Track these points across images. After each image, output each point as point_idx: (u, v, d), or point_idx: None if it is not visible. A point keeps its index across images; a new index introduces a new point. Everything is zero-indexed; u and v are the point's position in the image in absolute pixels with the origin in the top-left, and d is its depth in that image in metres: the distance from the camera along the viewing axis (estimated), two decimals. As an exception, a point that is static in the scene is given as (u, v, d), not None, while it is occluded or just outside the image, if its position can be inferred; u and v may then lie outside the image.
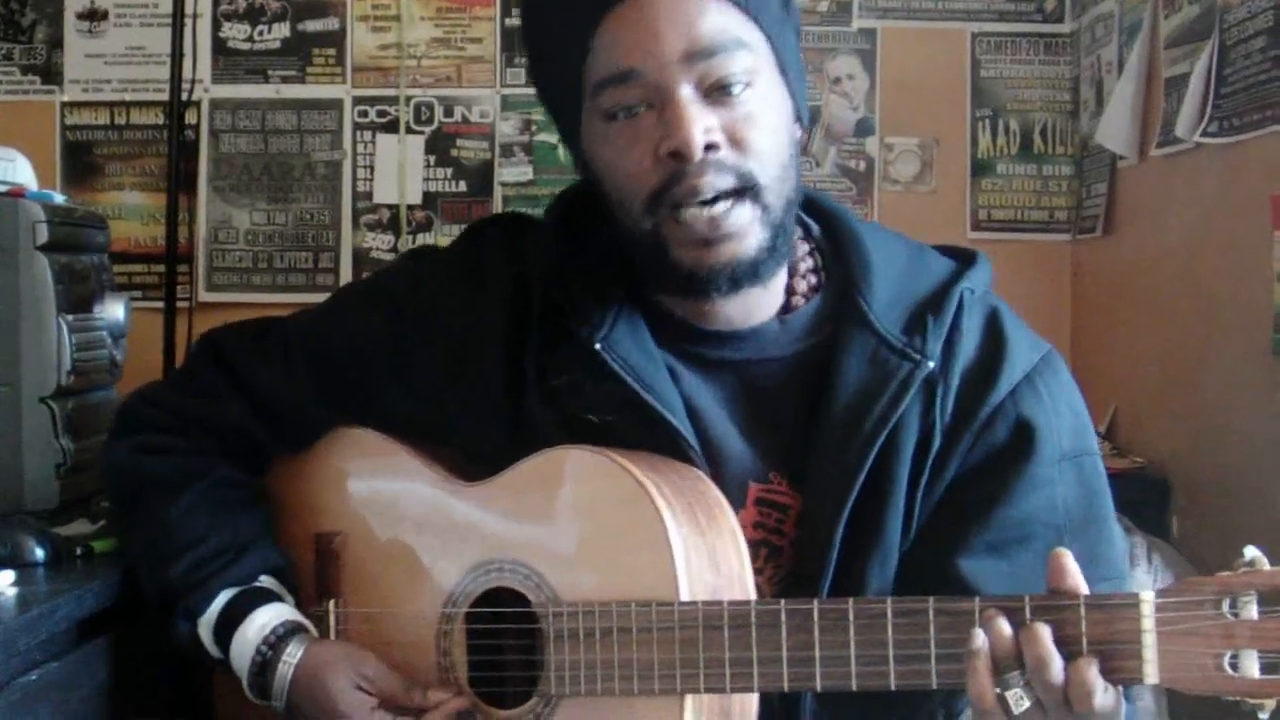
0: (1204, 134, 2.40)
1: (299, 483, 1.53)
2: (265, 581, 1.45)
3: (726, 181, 1.28)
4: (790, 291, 1.41)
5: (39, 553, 1.60)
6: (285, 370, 1.51)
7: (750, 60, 1.29)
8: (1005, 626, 1.15)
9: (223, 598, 1.42)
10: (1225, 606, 1.10)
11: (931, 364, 1.34)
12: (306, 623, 1.43)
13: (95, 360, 1.93)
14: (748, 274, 1.32)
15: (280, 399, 1.51)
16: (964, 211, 3.25)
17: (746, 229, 1.30)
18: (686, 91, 1.27)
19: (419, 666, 1.39)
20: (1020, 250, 3.20)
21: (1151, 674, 1.11)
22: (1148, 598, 1.12)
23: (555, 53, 1.37)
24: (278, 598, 1.44)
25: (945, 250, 1.47)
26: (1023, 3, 3.24)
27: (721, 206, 1.29)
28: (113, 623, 1.56)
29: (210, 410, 1.52)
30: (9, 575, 1.49)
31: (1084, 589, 1.16)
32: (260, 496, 1.53)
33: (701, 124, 1.27)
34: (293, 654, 1.39)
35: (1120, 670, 1.13)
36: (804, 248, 1.44)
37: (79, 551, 1.65)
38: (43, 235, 1.83)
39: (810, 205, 1.47)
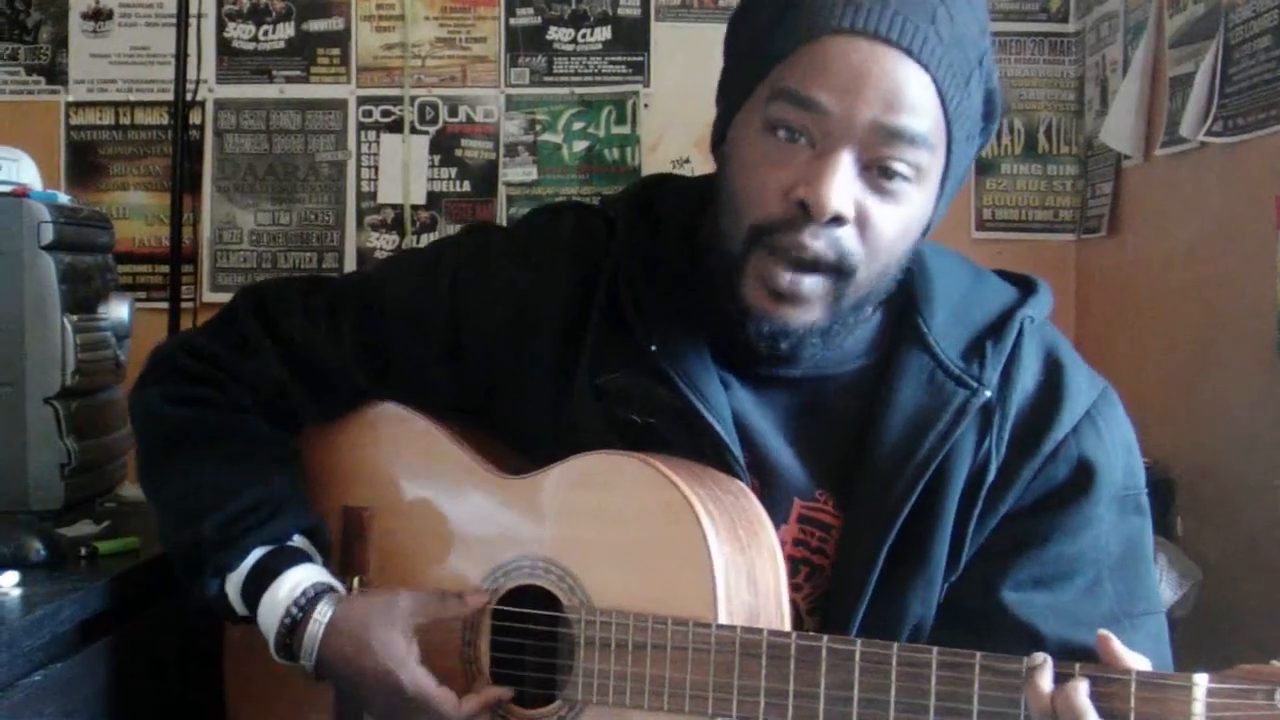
0: (1209, 133, 2.40)
1: (331, 453, 1.51)
2: (298, 541, 1.43)
3: (829, 257, 1.25)
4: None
5: (43, 553, 1.60)
6: (330, 330, 1.47)
7: (924, 161, 1.25)
8: (1046, 684, 1.14)
9: (255, 555, 1.40)
10: (1277, 698, 1.08)
11: (989, 393, 1.32)
12: (336, 583, 1.42)
13: (100, 360, 1.93)
14: (790, 344, 1.30)
15: (323, 360, 1.47)
16: (969, 211, 3.24)
17: (813, 302, 1.27)
18: (849, 156, 1.23)
19: (442, 653, 1.38)
20: (1025, 250, 3.20)
21: None
22: (1200, 681, 1.10)
23: (766, 31, 1.30)
24: (308, 558, 1.42)
25: (1005, 275, 1.45)
26: (1027, 2, 3.24)
27: (808, 277, 1.26)
28: (116, 624, 1.56)
29: (251, 366, 1.48)
30: (13, 576, 1.49)
31: (1133, 665, 1.14)
32: (294, 456, 1.50)
33: (848, 195, 1.23)
34: (323, 613, 1.37)
35: None
36: None
37: (83, 552, 1.65)
38: (47, 235, 1.83)
39: None
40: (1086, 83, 3.19)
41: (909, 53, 1.22)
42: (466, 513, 1.41)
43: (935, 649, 1.19)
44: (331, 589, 1.40)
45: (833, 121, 1.23)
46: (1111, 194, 2.98)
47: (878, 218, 1.25)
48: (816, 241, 1.24)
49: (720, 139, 1.35)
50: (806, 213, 1.23)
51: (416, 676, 1.33)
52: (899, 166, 1.24)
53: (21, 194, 1.87)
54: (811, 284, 1.26)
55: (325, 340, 1.47)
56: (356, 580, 1.45)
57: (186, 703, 1.65)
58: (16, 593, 1.47)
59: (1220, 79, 2.36)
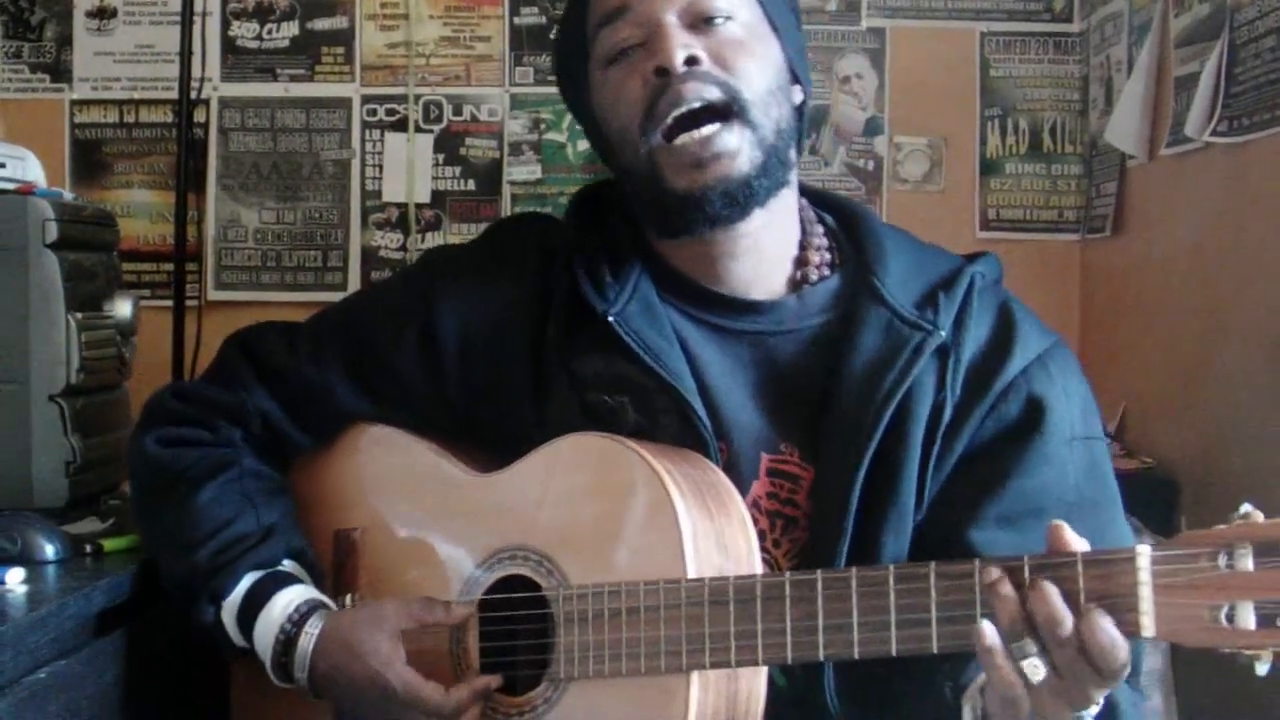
0: (1214, 133, 2.40)
1: (319, 479, 1.54)
2: (288, 565, 1.46)
3: (711, 92, 1.35)
4: (803, 263, 1.45)
5: (48, 550, 1.61)
6: (314, 357, 1.52)
7: (734, 4, 1.38)
8: (1010, 591, 1.15)
9: (247, 580, 1.43)
10: (1221, 559, 1.10)
11: (943, 334, 1.37)
12: (328, 601, 1.44)
13: (104, 358, 1.94)
14: (742, 190, 1.36)
15: (307, 386, 1.52)
16: (973, 211, 3.24)
17: (736, 149, 1.35)
18: (670, 19, 1.35)
19: (431, 654, 1.39)
20: (1029, 250, 3.19)
21: (1149, 627, 1.12)
22: (1144, 551, 1.12)
23: (566, 18, 1.46)
24: (299, 580, 1.45)
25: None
26: (1032, 2, 3.23)
27: (709, 129, 1.34)
28: (122, 621, 1.56)
29: (238, 402, 1.53)
30: (19, 573, 1.50)
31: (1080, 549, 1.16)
32: (284, 487, 1.54)
33: (682, 40, 1.35)
34: (314, 625, 1.40)
35: (1119, 625, 1.13)
36: (819, 229, 1.48)
37: (88, 549, 1.66)
38: (52, 233, 1.83)
39: (823, 199, 1.52)
40: (1091, 82, 3.18)
41: None
42: (448, 517, 1.43)
43: (891, 565, 1.22)
44: (322, 605, 1.43)
45: (639, 10, 1.37)
46: (1116, 194, 2.98)
47: (726, 49, 1.37)
48: (690, 84, 1.34)
49: (589, 126, 1.47)
50: (665, 73, 1.34)
51: (404, 675, 1.35)
52: (713, 10, 1.37)
53: (26, 192, 1.88)
54: (723, 136, 1.35)
55: (307, 366, 1.53)
56: (349, 599, 1.47)
57: (191, 699, 1.65)
58: (22, 590, 1.47)
59: (1225, 79, 2.36)
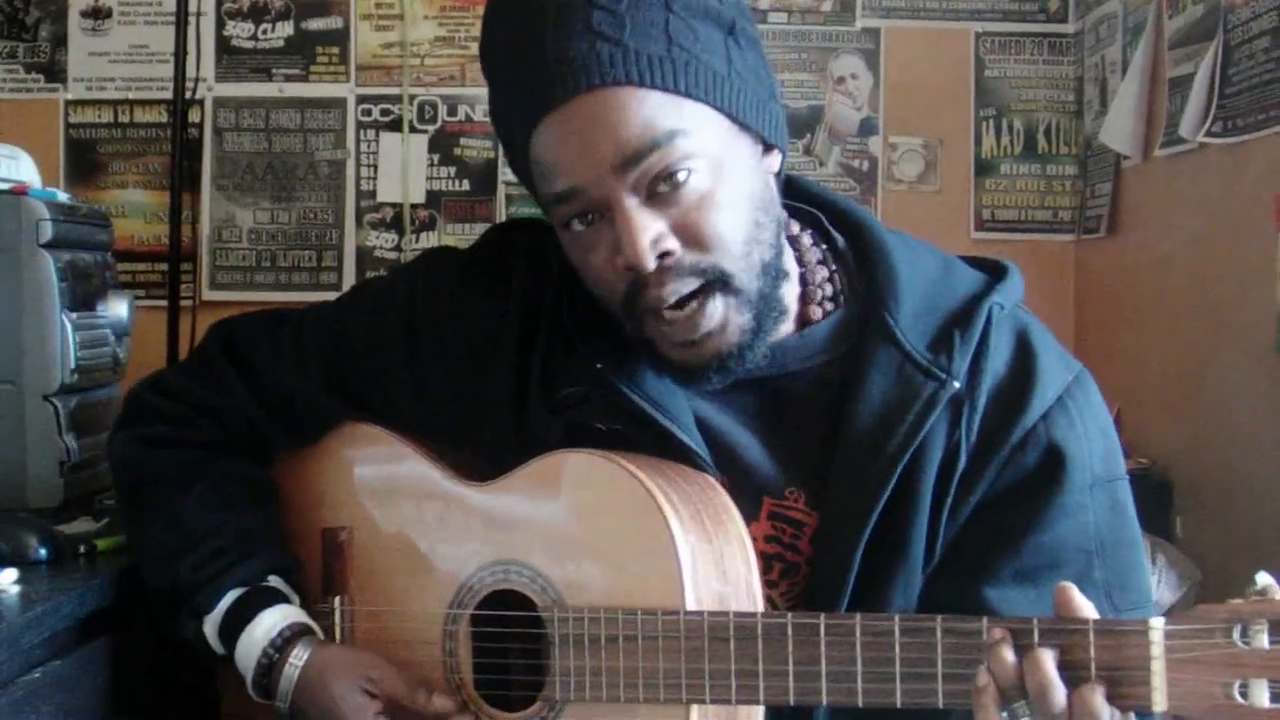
0: (1208, 134, 2.40)
1: (307, 476, 1.53)
2: (273, 581, 1.44)
3: (689, 285, 1.25)
4: (805, 317, 1.37)
5: (42, 551, 1.60)
6: (298, 361, 1.50)
7: (688, 144, 1.22)
8: (1010, 655, 1.13)
9: (230, 597, 1.42)
10: (1236, 635, 1.08)
11: (957, 384, 1.31)
12: (313, 624, 1.43)
13: (99, 358, 1.93)
14: (736, 360, 1.29)
15: (291, 390, 1.50)
16: (968, 211, 3.25)
17: (724, 322, 1.27)
18: (629, 201, 1.22)
19: (423, 665, 1.39)
20: (1024, 250, 3.19)
21: (1160, 701, 1.10)
22: (1157, 624, 1.10)
23: (512, 160, 1.34)
24: (284, 598, 1.44)
25: (975, 261, 1.43)
26: (1027, 2, 3.24)
27: (692, 306, 1.25)
28: (116, 621, 1.56)
29: (220, 401, 1.51)
30: (12, 573, 1.49)
31: (1094, 616, 1.14)
32: (268, 492, 1.52)
33: (649, 235, 1.22)
34: (299, 656, 1.38)
35: (1128, 697, 1.11)
36: (822, 271, 1.40)
37: (82, 550, 1.65)
38: (46, 233, 1.83)
39: (839, 216, 1.43)
40: (1086, 83, 3.19)
41: (600, 86, 1.21)
42: (438, 525, 1.42)
43: (897, 615, 1.20)
44: (307, 630, 1.42)
45: (592, 189, 1.23)
46: (1110, 194, 2.98)
47: (696, 220, 1.24)
48: (668, 286, 1.24)
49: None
50: (639, 274, 1.24)
51: None
52: (670, 168, 1.22)
53: (21, 192, 1.87)
54: (709, 311, 1.26)
55: (292, 370, 1.50)
56: (338, 601, 1.46)
57: (184, 699, 1.64)
58: (15, 590, 1.46)
59: (1219, 80, 2.36)
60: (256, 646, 1.39)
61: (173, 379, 1.57)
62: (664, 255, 1.23)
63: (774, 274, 1.31)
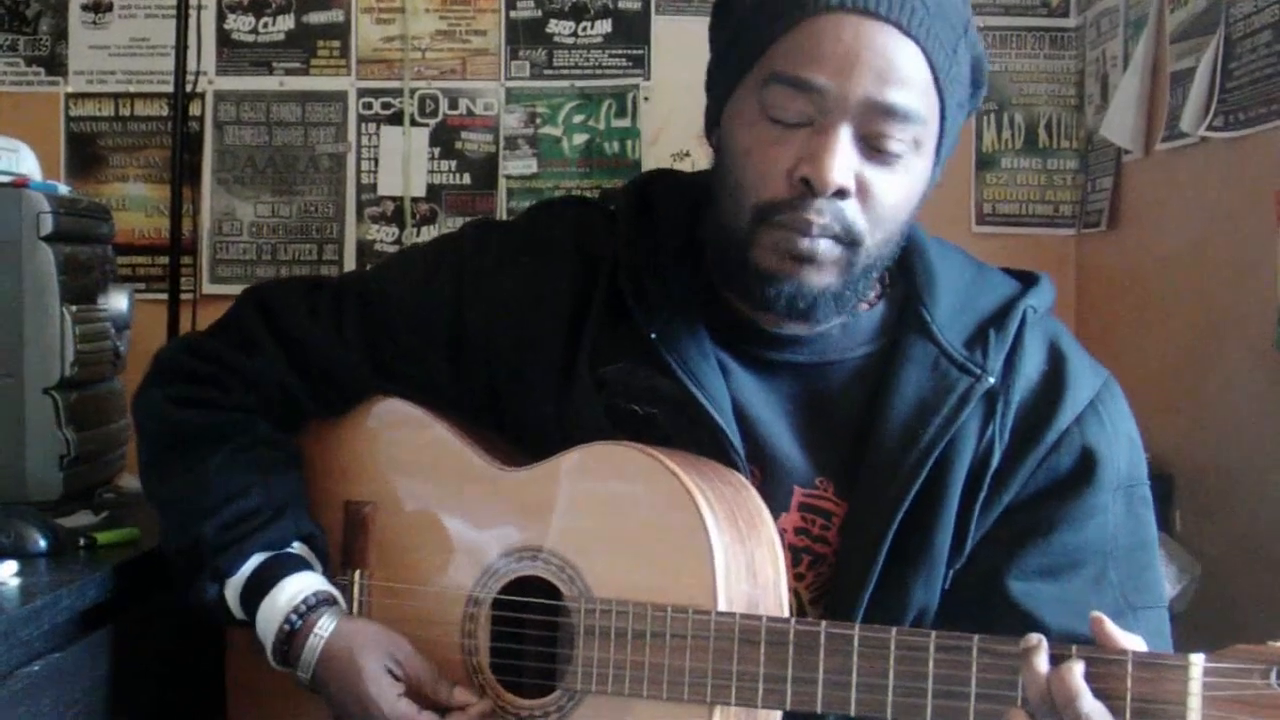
0: (1209, 128, 2.40)
1: (333, 447, 1.52)
2: (297, 548, 1.44)
3: (834, 229, 1.27)
4: (852, 309, 1.39)
5: (41, 543, 1.61)
6: (335, 328, 1.48)
7: (918, 133, 1.28)
8: (1043, 666, 1.14)
9: (254, 560, 1.41)
10: (1274, 677, 1.08)
11: (992, 379, 1.33)
12: (337, 594, 1.43)
13: (99, 351, 1.94)
14: (805, 304, 1.31)
15: (327, 357, 1.48)
16: (968, 205, 3.24)
17: (825, 265, 1.29)
18: (848, 133, 1.26)
19: (441, 646, 1.38)
20: (1024, 244, 3.19)
21: None
22: (1197, 661, 1.11)
23: (754, 13, 1.31)
24: (308, 565, 1.43)
25: (1007, 271, 1.46)
26: (1028, -3, 3.24)
27: (823, 241, 1.28)
28: (115, 614, 1.56)
29: (254, 365, 1.49)
30: (12, 566, 1.50)
31: (1129, 647, 1.15)
32: (297, 459, 1.51)
33: (848, 169, 1.26)
34: (325, 627, 1.38)
35: None
36: None
37: (81, 543, 1.66)
38: (47, 226, 1.83)
39: None
40: (1087, 77, 3.18)
41: (898, 26, 1.25)
42: (466, 506, 1.41)
43: (933, 632, 1.19)
44: (331, 599, 1.41)
45: (829, 100, 1.25)
46: (1112, 189, 2.98)
47: (878, 189, 1.28)
48: (822, 217, 1.27)
49: (714, 124, 1.37)
50: (810, 189, 1.26)
51: (396, 705, 1.35)
52: (894, 142, 1.27)
53: (21, 185, 1.87)
54: (826, 246, 1.28)
55: (329, 337, 1.48)
56: (357, 575, 1.45)
57: (184, 693, 1.65)
58: (15, 583, 1.47)
59: (1221, 74, 2.36)
60: (279, 613, 1.39)
61: (206, 340, 1.55)
62: (841, 193, 1.26)
63: (874, 275, 1.35)
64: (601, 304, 1.39)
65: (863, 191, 1.27)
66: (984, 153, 3.25)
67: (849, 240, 1.28)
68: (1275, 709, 1.08)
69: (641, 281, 1.38)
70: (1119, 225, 2.98)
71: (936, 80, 1.27)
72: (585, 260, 1.42)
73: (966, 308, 1.38)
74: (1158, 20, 2.69)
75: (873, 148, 1.27)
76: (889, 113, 1.25)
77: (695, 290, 1.38)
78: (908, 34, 1.25)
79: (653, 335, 1.35)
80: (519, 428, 1.42)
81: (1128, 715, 1.12)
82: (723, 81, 1.35)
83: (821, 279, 1.30)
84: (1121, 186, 2.96)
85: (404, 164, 3.27)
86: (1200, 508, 2.48)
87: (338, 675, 1.37)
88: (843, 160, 1.25)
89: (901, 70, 1.25)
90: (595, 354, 1.38)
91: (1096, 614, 1.16)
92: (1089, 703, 1.12)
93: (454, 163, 3.27)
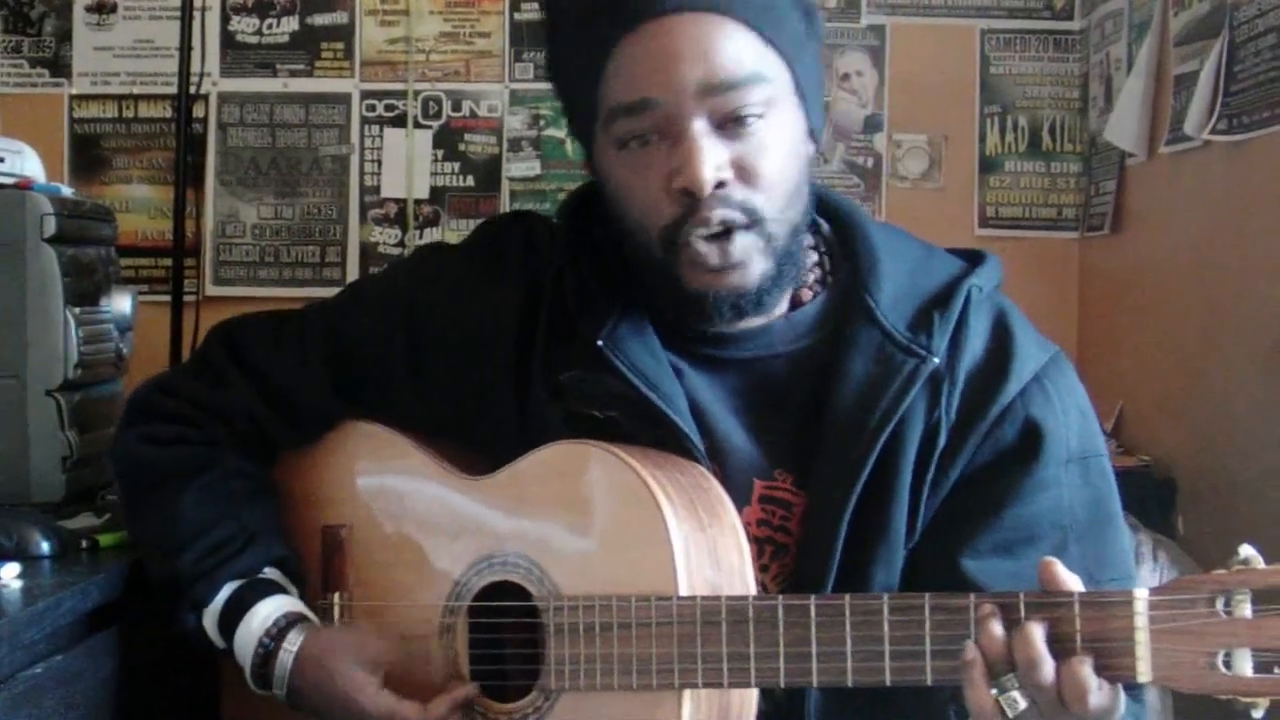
0: (1213, 131, 2.40)
1: (307, 475, 1.54)
2: (270, 573, 1.45)
3: (734, 216, 1.29)
4: (795, 300, 1.42)
5: (44, 545, 1.61)
6: (300, 361, 1.51)
7: (766, 91, 1.29)
8: (998, 629, 1.16)
9: (227, 589, 1.43)
10: (1219, 605, 1.10)
11: (937, 360, 1.34)
12: (309, 613, 1.44)
13: (102, 353, 1.94)
14: (751, 303, 1.33)
15: (293, 389, 1.51)
16: (972, 208, 3.24)
17: (750, 259, 1.31)
18: (700, 125, 1.27)
19: (422, 660, 1.39)
20: (1028, 247, 3.19)
21: (1145, 672, 1.12)
22: (1141, 595, 1.12)
23: (572, 70, 1.38)
24: (282, 590, 1.45)
25: (955, 251, 1.47)
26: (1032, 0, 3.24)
27: (728, 238, 1.30)
28: (117, 616, 1.56)
29: (222, 398, 1.51)
30: (14, 568, 1.50)
31: (1079, 588, 1.16)
32: (269, 488, 1.53)
33: (713, 161, 1.27)
34: (293, 641, 1.40)
35: (1113, 668, 1.13)
36: (812, 255, 1.44)
37: (84, 544, 1.66)
38: (50, 228, 1.83)
39: (821, 202, 1.46)
40: (1090, 80, 3.18)
41: (694, 8, 1.27)
42: (437, 518, 1.43)
43: (885, 595, 1.22)
44: (302, 618, 1.43)
45: (668, 107, 1.27)
46: (1115, 192, 2.98)
47: (753, 160, 1.30)
48: (716, 212, 1.29)
49: (590, 164, 1.41)
50: (694, 196, 1.28)
51: (376, 697, 1.36)
52: (745, 109, 1.28)
53: (25, 186, 1.88)
54: (740, 243, 1.30)
55: (293, 368, 1.51)
56: (337, 597, 1.46)
57: (187, 693, 1.65)
58: (17, 585, 1.47)
59: (1225, 77, 2.35)
60: (253, 637, 1.41)
61: (175, 378, 1.59)
62: (719, 185, 1.28)
63: (799, 238, 1.37)
64: (548, 314, 1.42)
65: (741, 170, 1.29)
66: (987, 156, 3.25)
67: (752, 220, 1.30)
68: (1223, 635, 1.09)
69: (583, 290, 1.40)
70: (1122, 229, 2.98)
71: (764, 36, 1.29)
72: (532, 275, 1.45)
73: (910, 291, 1.39)
74: (1161, 23, 2.69)
75: (731, 124, 1.28)
76: (727, 87, 1.27)
77: (638, 293, 1.40)
78: (710, 9, 1.27)
79: (599, 343, 1.36)
80: (484, 444, 1.44)
81: (1078, 654, 1.13)
82: (579, 131, 1.40)
83: (752, 273, 1.32)
84: (1125, 190, 2.96)
85: (407, 166, 3.27)
86: (1203, 512, 2.48)
87: (313, 685, 1.38)
88: (708, 157, 1.27)
89: (719, 44, 1.27)
90: (549, 365, 1.40)
91: (1046, 558, 1.17)
92: (1049, 666, 1.13)
93: (457, 165, 3.28)
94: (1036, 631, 1.14)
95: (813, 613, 1.21)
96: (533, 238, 1.48)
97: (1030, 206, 3.25)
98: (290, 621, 1.41)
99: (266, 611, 1.42)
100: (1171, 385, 2.64)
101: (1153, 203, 2.81)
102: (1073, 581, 1.16)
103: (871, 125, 3.26)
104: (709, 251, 1.30)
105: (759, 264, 1.32)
